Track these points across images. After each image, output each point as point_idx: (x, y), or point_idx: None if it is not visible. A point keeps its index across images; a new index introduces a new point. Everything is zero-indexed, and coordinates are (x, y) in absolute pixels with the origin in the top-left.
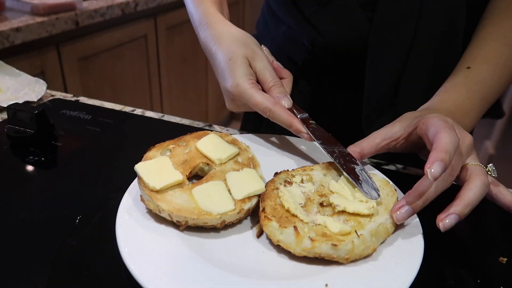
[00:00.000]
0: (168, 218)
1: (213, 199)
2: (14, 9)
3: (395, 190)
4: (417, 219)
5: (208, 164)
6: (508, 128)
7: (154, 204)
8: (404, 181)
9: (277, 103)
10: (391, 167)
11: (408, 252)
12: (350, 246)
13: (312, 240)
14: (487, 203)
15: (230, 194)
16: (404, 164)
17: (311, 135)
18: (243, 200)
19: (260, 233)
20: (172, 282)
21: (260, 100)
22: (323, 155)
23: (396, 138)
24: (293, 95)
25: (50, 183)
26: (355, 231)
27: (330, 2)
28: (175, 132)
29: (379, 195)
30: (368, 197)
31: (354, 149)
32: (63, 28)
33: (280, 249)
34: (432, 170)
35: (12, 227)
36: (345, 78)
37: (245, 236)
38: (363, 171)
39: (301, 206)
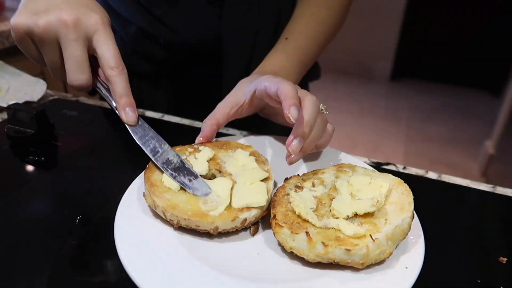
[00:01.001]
0: (162, 215)
1: (219, 190)
2: (14, 9)
3: (410, 189)
4: (417, 220)
5: (220, 171)
6: (508, 128)
7: (150, 199)
8: (405, 182)
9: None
10: (391, 167)
11: (409, 253)
12: (364, 251)
13: (325, 245)
14: (487, 202)
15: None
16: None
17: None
18: (240, 210)
19: (255, 231)
20: (168, 283)
21: (113, 52)
22: (332, 157)
23: (242, 104)
24: (155, 93)
25: (50, 183)
26: (370, 235)
27: (178, 0)
28: (175, 132)
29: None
30: (199, 194)
31: (210, 122)
32: None
33: (275, 251)
34: (292, 114)
35: (12, 227)
36: (204, 71)
37: (241, 236)
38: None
39: (313, 211)
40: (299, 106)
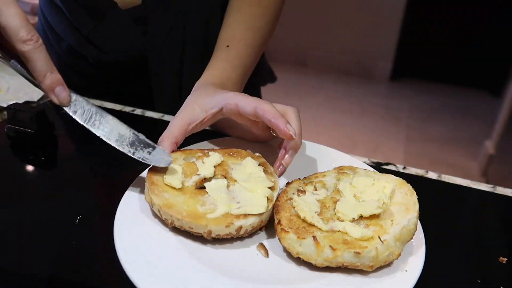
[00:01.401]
0: (158, 214)
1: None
2: None
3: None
4: (419, 223)
5: (225, 177)
6: (508, 128)
7: (148, 197)
8: None
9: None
10: (391, 167)
11: (409, 256)
12: (373, 253)
13: (333, 249)
14: (487, 202)
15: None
16: None
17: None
18: (236, 216)
19: (266, 252)
20: (167, 284)
21: (20, 21)
22: (332, 160)
23: (202, 120)
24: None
25: (50, 183)
26: (379, 237)
27: (103, 18)
28: None
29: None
30: (162, 165)
31: (171, 142)
32: None
33: (276, 253)
34: (291, 131)
35: (12, 227)
36: (136, 87)
37: (240, 239)
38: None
39: (317, 214)
40: (286, 120)
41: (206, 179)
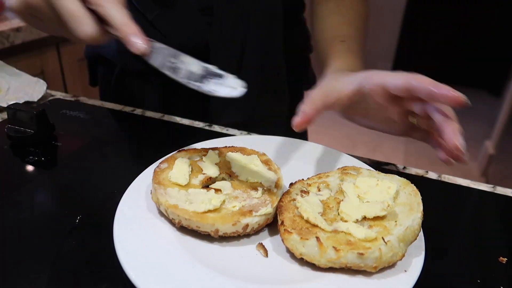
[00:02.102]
0: (165, 213)
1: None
2: None
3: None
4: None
5: (230, 175)
6: (508, 128)
7: (155, 196)
8: None
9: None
10: (392, 167)
11: (409, 256)
12: (377, 254)
13: (336, 250)
14: (487, 202)
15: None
16: None
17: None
18: (242, 214)
19: (266, 252)
20: (167, 284)
21: None
22: (336, 159)
23: (341, 96)
24: (146, 90)
25: (50, 183)
26: (382, 238)
27: (171, 6)
28: (175, 132)
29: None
30: (231, 94)
31: (312, 107)
32: None
33: (277, 253)
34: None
35: (12, 227)
36: None
37: (243, 239)
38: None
39: (320, 215)
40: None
41: (211, 178)
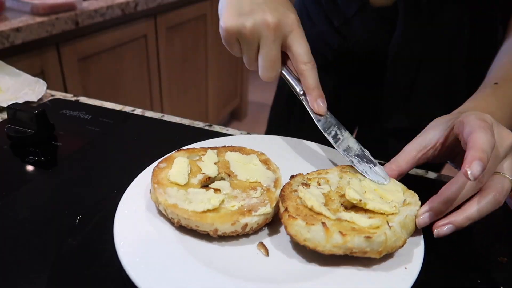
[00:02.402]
0: (164, 212)
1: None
2: (14, 9)
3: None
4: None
5: (229, 175)
6: (508, 128)
7: (154, 196)
8: (405, 181)
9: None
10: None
11: (408, 254)
12: (383, 238)
13: (343, 234)
14: None
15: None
16: None
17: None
18: (242, 213)
19: (266, 251)
20: (168, 283)
21: (306, 49)
22: (336, 159)
23: (433, 145)
24: (323, 81)
25: (50, 183)
26: (387, 222)
27: (355, 14)
28: (175, 132)
29: (385, 179)
30: (380, 181)
31: (390, 167)
32: (63, 28)
33: (278, 252)
34: (472, 170)
35: (12, 227)
36: (366, 75)
37: (243, 238)
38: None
39: (323, 205)
40: (486, 164)
41: (210, 178)
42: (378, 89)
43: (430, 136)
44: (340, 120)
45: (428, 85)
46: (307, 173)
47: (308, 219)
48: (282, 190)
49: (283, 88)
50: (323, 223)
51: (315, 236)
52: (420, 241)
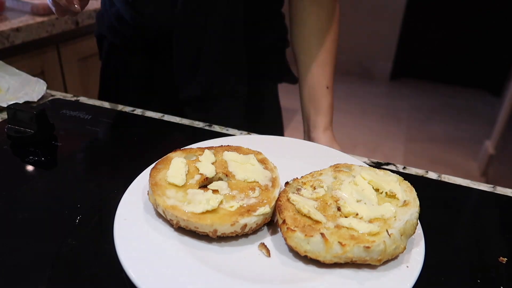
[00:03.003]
0: (163, 214)
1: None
2: (14, 9)
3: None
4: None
5: (227, 175)
6: (508, 128)
7: (152, 198)
8: None
9: None
10: (391, 167)
11: (409, 253)
12: (382, 247)
13: (342, 245)
14: (487, 202)
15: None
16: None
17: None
18: (240, 214)
19: (268, 251)
20: (168, 284)
21: None
22: (331, 157)
23: None
24: (131, 62)
25: (50, 183)
26: (387, 231)
27: None
28: (175, 132)
29: None
30: None
31: None
32: (63, 28)
33: (276, 252)
34: None
35: (12, 227)
36: (164, 50)
37: (242, 238)
38: None
39: (317, 209)
40: None
41: (208, 178)
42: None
43: None
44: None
45: (213, 53)
46: (302, 177)
47: (307, 230)
48: (278, 199)
49: None
50: (322, 234)
51: (315, 247)
52: (420, 240)
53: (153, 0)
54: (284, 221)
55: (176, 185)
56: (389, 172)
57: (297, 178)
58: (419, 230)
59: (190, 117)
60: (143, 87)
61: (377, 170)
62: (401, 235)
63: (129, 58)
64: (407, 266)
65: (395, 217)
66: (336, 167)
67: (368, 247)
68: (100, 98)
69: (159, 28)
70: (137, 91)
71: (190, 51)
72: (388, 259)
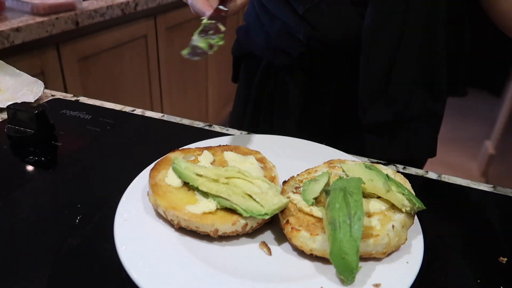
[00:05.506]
0: (163, 214)
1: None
2: (14, 9)
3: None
4: (417, 219)
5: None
6: (508, 128)
7: (153, 198)
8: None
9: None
10: (391, 167)
11: (408, 253)
12: (386, 240)
13: None
14: (487, 202)
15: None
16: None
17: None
18: (241, 214)
19: (269, 250)
20: (169, 283)
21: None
22: (329, 155)
23: None
24: (289, 86)
25: (50, 183)
26: (392, 225)
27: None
28: (175, 132)
29: None
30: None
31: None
32: (63, 28)
33: (276, 250)
34: None
35: (12, 227)
36: (339, 69)
37: (243, 237)
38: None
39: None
40: None
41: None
42: (353, 84)
43: None
44: (314, 131)
45: (407, 69)
46: (298, 175)
47: (312, 229)
48: None
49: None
50: None
51: (320, 245)
52: (419, 236)
53: (335, 11)
54: (287, 221)
55: (175, 186)
56: (382, 166)
57: (293, 176)
58: (417, 224)
59: (370, 146)
60: (303, 112)
61: (368, 164)
62: (402, 227)
63: (289, 78)
64: (407, 262)
65: (393, 209)
66: (330, 163)
67: (373, 241)
68: (235, 126)
69: (339, 41)
70: (294, 118)
71: (379, 68)
72: (392, 251)
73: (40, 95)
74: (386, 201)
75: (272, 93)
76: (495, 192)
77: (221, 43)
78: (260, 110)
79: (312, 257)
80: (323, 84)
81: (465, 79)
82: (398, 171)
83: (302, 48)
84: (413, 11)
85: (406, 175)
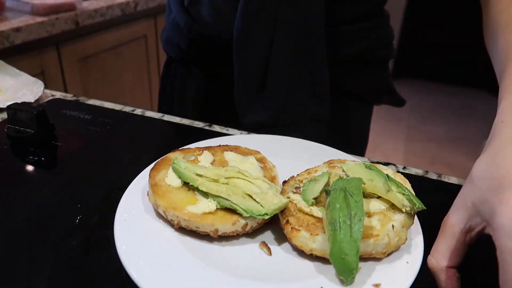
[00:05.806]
0: (163, 214)
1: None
2: (14, 9)
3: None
4: (417, 219)
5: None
6: None
7: (153, 198)
8: None
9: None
10: (391, 167)
11: (408, 253)
12: (386, 240)
13: None
14: None
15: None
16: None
17: None
18: (241, 214)
19: (269, 250)
20: (169, 283)
21: None
22: (329, 155)
23: (479, 230)
24: (187, 80)
25: (50, 183)
26: (392, 226)
27: None
28: (175, 132)
29: None
30: None
31: (438, 261)
32: (63, 28)
33: (277, 250)
34: None
35: (12, 227)
36: (227, 63)
37: (244, 237)
38: None
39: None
40: None
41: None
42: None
43: (473, 213)
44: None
45: (282, 71)
46: (297, 175)
47: (312, 229)
48: None
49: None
50: None
51: (320, 245)
52: (419, 236)
53: (213, 7)
54: (287, 221)
55: (175, 185)
56: (382, 166)
57: (293, 176)
58: (417, 223)
59: None
60: (201, 106)
61: (368, 164)
62: (402, 227)
63: (185, 75)
64: (407, 262)
65: (393, 209)
66: (330, 163)
67: (373, 241)
68: (160, 111)
69: (217, 36)
70: (195, 109)
71: (254, 65)
72: (392, 251)
73: (40, 95)
74: (386, 201)
75: (172, 86)
76: None
77: None
78: (167, 101)
79: (312, 257)
80: (216, 78)
81: (389, 86)
82: (398, 171)
83: (187, 41)
84: (285, 5)
85: (406, 175)
